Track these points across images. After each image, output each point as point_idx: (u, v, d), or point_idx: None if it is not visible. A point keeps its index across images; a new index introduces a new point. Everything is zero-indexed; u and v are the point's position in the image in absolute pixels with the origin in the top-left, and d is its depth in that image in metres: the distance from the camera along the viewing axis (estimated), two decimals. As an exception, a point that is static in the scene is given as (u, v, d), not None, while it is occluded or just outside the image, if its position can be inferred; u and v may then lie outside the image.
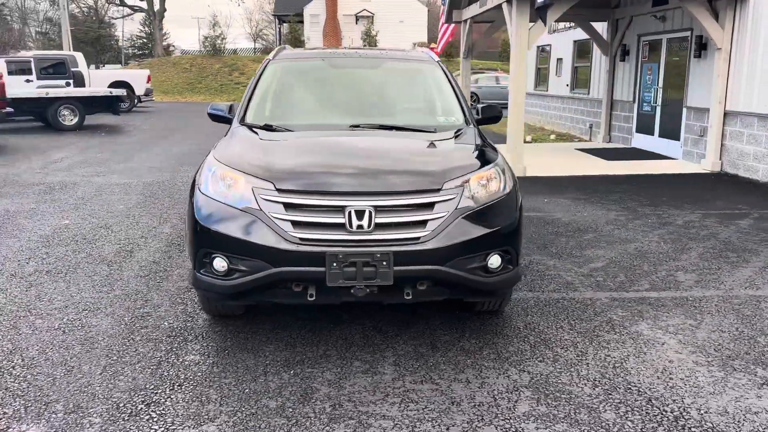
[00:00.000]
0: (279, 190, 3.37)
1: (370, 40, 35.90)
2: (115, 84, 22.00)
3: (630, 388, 3.23)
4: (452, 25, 14.91)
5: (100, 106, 17.18)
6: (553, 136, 15.78)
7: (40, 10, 62.74)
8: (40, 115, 16.77)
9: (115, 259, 5.38)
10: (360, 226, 3.28)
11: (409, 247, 3.31)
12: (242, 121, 4.34)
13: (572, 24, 14.77)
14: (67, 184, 8.94)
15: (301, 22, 38.58)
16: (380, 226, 3.32)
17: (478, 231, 3.44)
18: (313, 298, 3.37)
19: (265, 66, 4.87)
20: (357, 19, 39.69)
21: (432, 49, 37.19)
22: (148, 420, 2.92)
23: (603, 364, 3.49)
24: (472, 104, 21.65)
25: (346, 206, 3.30)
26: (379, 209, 3.32)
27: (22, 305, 4.31)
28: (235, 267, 3.38)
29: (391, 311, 4.16)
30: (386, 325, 3.98)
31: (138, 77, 23.73)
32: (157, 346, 3.69)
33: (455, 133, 4.20)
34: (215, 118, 4.56)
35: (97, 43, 59.34)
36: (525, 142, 15.10)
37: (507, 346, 3.71)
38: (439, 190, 3.43)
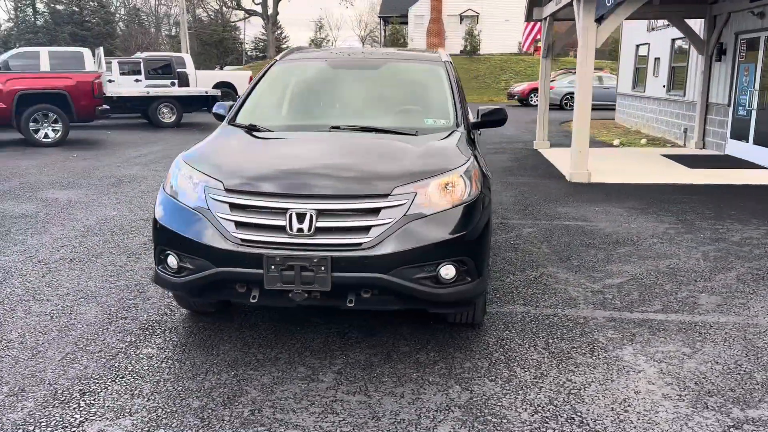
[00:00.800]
0: (227, 190, 3.39)
1: (472, 40, 35.45)
2: (219, 84, 23.09)
3: (572, 418, 2.96)
4: (538, 23, 14.40)
5: (197, 105, 18.15)
6: (643, 141, 14.85)
7: (171, 15, 67.13)
8: (144, 112, 18.00)
9: (138, 250, 5.64)
10: (300, 230, 3.23)
11: (349, 253, 3.21)
12: (231, 121, 4.40)
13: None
14: (136, 177, 9.49)
15: (405, 23, 38.76)
16: (322, 231, 3.25)
17: (427, 239, 3.28)
18: (256, 299, 3.36)
19: (270, 66, 4.92)
20: (461, 19, 39.35)
21: (538, 50, 35.89)
22: (74, 408, 3.02)
23: (558, 390, 3.23)
24: (566, 104, 20.59)
25: (288, 208, 3.26)
26: (322, 213, 3.26)
27: (30, 290, 4.61)
28: (183, 265, 3.43)
29: (364, 316, 4.07)
30: (353, 331, 3.90)
31: (240, 78, 24.78)
32: (124, 337, 3.82)
33: (437, 136, 4.03)
34: (218, 117, 4.66)
35: (221, 45, 62.77)
36: (612, 145, 14.37)
37: (464, 362, 3.52)
38: (387, 195, 3.31)
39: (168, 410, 3.01)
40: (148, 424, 2.90)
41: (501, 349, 3.68)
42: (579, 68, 9.24)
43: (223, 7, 58.40)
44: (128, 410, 3.01)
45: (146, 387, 3.23)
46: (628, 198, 8.11)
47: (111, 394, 3.16)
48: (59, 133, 13.11)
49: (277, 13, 42.15)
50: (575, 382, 3.30)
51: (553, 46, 13.18)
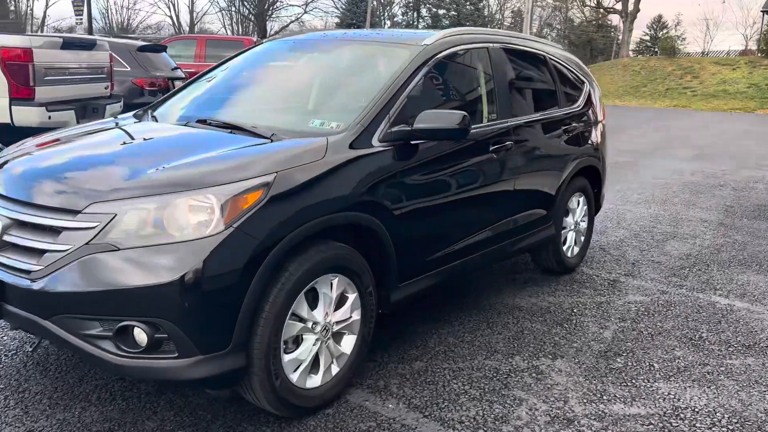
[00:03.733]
0: (-14, 182, 2.94)
1: None
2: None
3: None
4: None
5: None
6: None
7: (540, 16, 67.71)
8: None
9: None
10: (-7, 239, 2.60)
11: (16, 281, 2.47)
12: (153, 107, 3.83)
13: None
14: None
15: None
16: (9, 246, 2.56)
17: (104, 282, 2.32)
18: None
19: (249, 47, 4.21)
20: None
21: None
22: None
23: None
24: None
25: (-7, 212, 2.66)
26: (15, 223, 2.57)
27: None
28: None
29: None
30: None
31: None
32: None
33: (285, 143, 2.86)
34: None
35: (588, 45, 61.30)
36: None
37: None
38: (77, 212, 2.44)
39: None
40: None
41: (248, 466, 2.45)
42: None
43: (580, 6, 56.42)
44: None
45: None
46: None
47: None
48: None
49: (638, 11, 38.53)
50: None
51: None
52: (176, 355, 2.34)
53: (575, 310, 4.13)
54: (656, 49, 48.49)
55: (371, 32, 4.02)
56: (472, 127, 3.51)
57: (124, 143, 3.04)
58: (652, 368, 3.38)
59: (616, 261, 5.23)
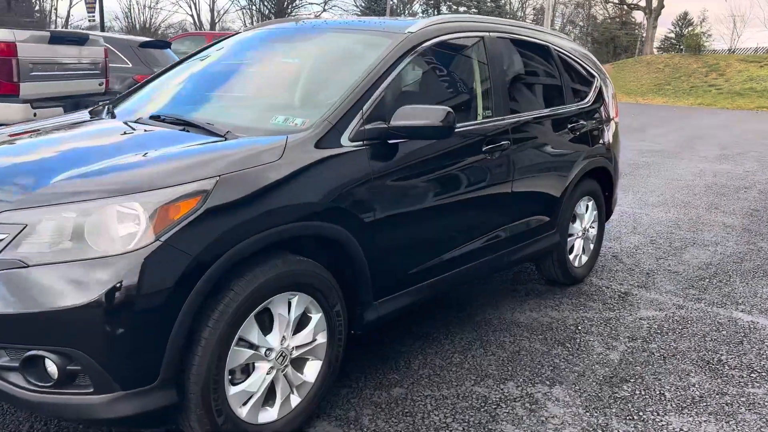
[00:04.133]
0: None
1: None
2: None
3: None
4: None
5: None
6: None
7: (564, 14, 66.86)
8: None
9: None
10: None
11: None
12: (117, 101, 3.51)
13: None
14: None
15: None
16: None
17: (11, 306, 2.01)
18: None
19: (224, 38, 3.88)
20: None
21: None
22: None
23: None
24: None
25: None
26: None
27: None
28: None
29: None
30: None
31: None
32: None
33: (238, 142, 2.52)
34: None
35: (611, 43, 60.39)
36: None
37: None
38: (-11, 221, 2.12)
39: None
40: None
41: None
42: None
43: (607, 5, 55.59)
44: None
45: None
46: None
47: None
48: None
49: (662, 7, 37.62)
50: None
51: None
52: (91, 390, 2.01)
53: (580, 327, 3.74)
54: (681, 47, 47.43)
55: (354, 21, 3.68)
56: (463, 124, 3.19)
57: (59, 143, 2.73)
58: (662, 398, 2.98)
59: (629, 270, 4.81)
